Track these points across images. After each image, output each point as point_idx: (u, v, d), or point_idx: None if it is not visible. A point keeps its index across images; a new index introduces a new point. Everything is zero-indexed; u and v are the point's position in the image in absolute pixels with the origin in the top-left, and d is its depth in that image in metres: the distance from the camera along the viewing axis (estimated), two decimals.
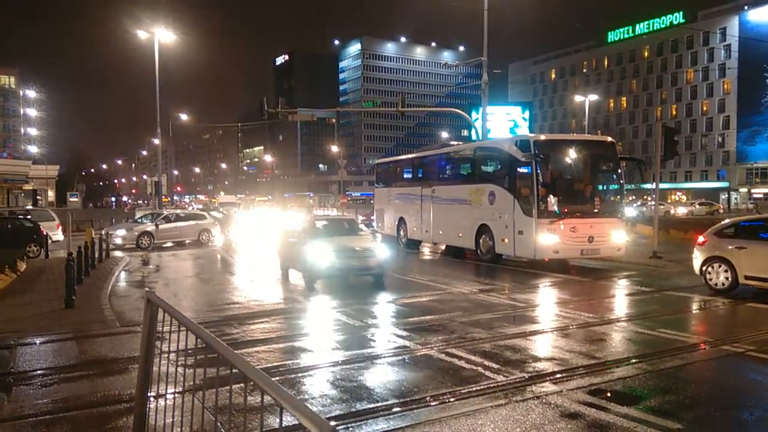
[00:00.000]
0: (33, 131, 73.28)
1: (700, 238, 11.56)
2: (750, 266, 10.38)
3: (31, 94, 70.62)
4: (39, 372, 6.41)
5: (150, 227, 22.68)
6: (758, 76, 75.09)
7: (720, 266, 10.85)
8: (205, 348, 2.79)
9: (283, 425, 1.99)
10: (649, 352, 6.98)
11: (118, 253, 20.02)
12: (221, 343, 2.74)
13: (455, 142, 24.24)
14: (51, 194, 56.74)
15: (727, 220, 12.10)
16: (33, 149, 71.04)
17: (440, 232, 19.15)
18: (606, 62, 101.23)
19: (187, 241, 24.04)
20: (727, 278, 10.71)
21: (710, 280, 11.04)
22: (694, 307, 10.34)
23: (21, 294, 11.36)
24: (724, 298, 10.44)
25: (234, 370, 2.44)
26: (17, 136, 73.29)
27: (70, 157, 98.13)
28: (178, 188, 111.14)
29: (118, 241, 21.92)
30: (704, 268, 11.17)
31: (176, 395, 3.81)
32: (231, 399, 3.29)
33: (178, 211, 30.15)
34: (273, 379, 2.13)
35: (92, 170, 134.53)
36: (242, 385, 4.78)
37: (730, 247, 10.74)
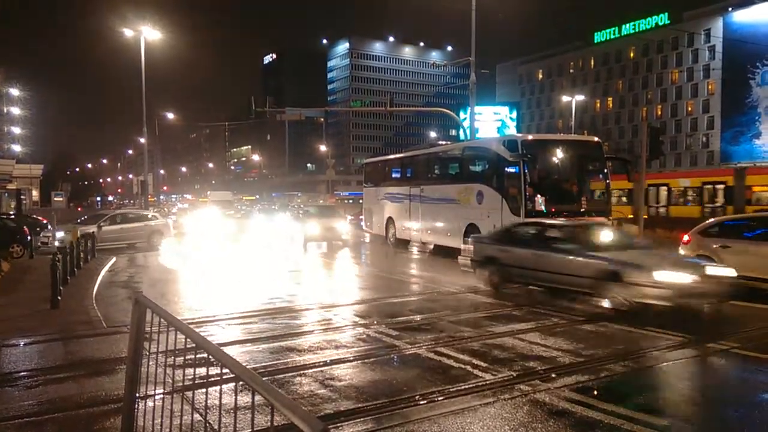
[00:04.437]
0: (16, 130, 72.26)
1: (685, 237, 11.71)
2: (734, 265, 10.52)
3: (15, 92, 69.62)
4: (24, 373, 6.34)
5: (92, 229, 20.46)
6: (742, 77, 76.15)
7: None
8: (195, 348, 2.78)
9: (274, 425, 2.00)
10: (635, 349, 7.06)
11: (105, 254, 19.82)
12: (211, 343, 2.74)
13: (443, 142, 24.34)
14: (35, 194, 56.02)
15: (712, 219, 12.27)
16: (17, 148, 70.05)
17: (429, 232, 19.20)
18: (592, 63, 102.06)
19: (135, 244, 22.19)
20: None
21: None
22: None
23: (5, 295, 11.20)
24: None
25: (224, 370, 2.44)
26: (0, 135, 72.24)
27: (55, 156, 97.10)
28: (165, 188, 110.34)
29: (57, 243, 19.62)
30: None
31: (165, 396, 3.80)
32: (221, 399, 3.29)
33: (126, 211, 27.51)
34: (262, 378, 2.14)
35: (77, 169, 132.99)
36: (232, 385, 4.77)
37: (714, 246, 10.88)
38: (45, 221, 21.68)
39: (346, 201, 62.32)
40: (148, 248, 21.72)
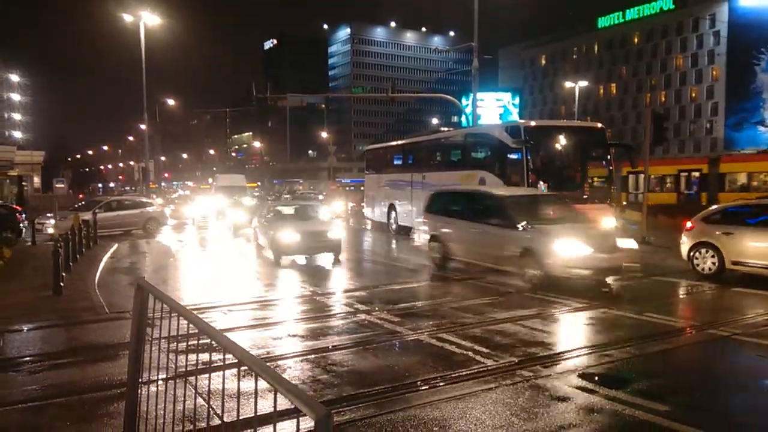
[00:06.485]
0: (17, 116, 72.15)
1: (688, 224, 11.67)
2: (736, 251, 10.51)
3: (15, 78, 69.42)
4: (28, 359, 6.37)
5: (87, 216, 19.29)
6: (747, 63, 75.39)
7: (707, 251, 10.98)
8: (197, 333, 2.77)
9: (277, 410, 2.01)
10: (636, 336, 7.07)
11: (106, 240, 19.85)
12: (213, 328, 2.73)
13: (446, 128, 24.22)
14: (36, 180, 55.99)
15: (715, 206, 12.22)
16: (17, 135, 69.97)
17: None
18: (596, 48, 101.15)
19: (131, 231, 21.95)
20: (714, 263, 10.84)
21: (697, 265, 11.16)
22: (682, 291, 10.46)
23: (8, 281, 11.23)
24: (711, 283, 10.57)
25: (227, 355, 2.44)
26: (1, 122, 71.97)
27: (56, 143, 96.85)
28: (166, 174, 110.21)
29: (51, 230, 19.61)
30: (692, 254, 11.30)
31: (168, 381, 3.82)
32: (224, 384, 3.29)
33: (122, 197, 27.04)
34: (265, 363, 2.13)
35: (78, 156, 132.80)
36: (235, 370, 4.78)
37: (717, 233, 10.85)
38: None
39: (347, 188, 62.21)
40: (144, 235, 21.49)
